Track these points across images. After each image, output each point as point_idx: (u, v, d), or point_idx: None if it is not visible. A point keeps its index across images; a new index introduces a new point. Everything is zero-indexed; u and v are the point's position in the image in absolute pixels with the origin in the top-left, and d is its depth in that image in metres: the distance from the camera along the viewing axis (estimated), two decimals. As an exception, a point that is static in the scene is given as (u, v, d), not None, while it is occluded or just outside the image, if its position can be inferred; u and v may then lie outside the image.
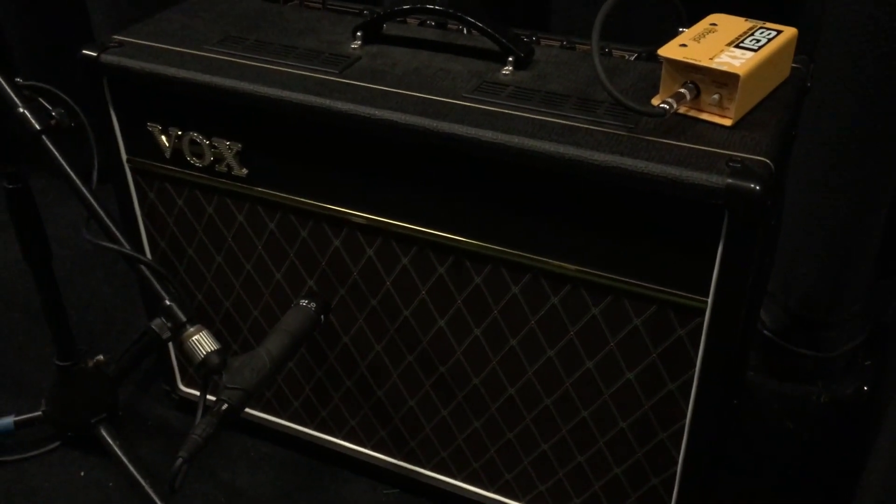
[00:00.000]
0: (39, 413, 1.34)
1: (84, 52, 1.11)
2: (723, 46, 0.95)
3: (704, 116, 0.94)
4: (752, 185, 0.84)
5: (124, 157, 1.19)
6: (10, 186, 1.15)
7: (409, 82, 1.03)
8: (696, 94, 0.93)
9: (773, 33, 0.98)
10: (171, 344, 1.30)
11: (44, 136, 1.05)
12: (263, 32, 1.16)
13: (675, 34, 1.00)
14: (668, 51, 0.94)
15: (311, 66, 1.07)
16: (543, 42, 1.13)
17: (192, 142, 1.13)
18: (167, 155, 1.15)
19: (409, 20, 1.19)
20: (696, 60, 0.92)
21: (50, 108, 1.07)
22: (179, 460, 0.89)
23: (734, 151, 0.89)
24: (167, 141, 1.14)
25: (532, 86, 1.02)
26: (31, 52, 1.91)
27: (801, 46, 1.03)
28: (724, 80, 0.91)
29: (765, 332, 1.49)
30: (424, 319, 1.11)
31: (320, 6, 1.26)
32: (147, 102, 1.13)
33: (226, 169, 1.13)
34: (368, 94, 1.01)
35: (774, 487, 1.33)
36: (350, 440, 1.30)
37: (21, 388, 1.48)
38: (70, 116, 1.07)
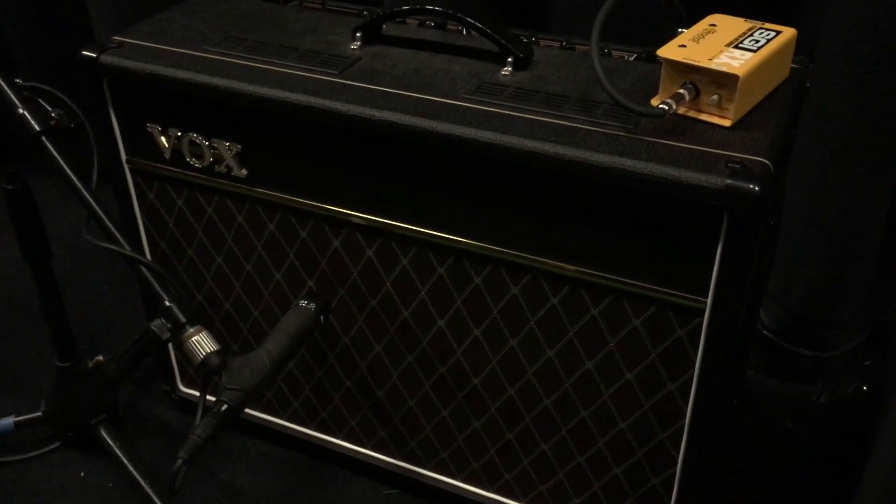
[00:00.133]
0: (39, 413, 1.34)
1: (84, 52, 1.11)
2: (722, 47, 0.95)
3: (704, 117, 0.94)
4: (752, 186, 0.84)
5: (124, 157, 1.19)
6: (10, 187, 1.16)
7: (409, 83, 1.03)
8: (696, 94, 0.93)
9: (773, 34, 0.98)
10: (171, 344, 1.30)
11: (43, 137, 1.05)
12: (263, 33, 1.16)
13: (674, 35, 1.00)
14: (668, 51, 0.94)
15: (311, 67, 1.07)
16: (543, 43, 1.13)
17: (192, 142, 1.13)
18: (167, 155, 1.15)
19: (408, 21, 1.19)
20: (695, 61, 0.92)
21: (49, 108, 1.07)
22: (179, 461, 0.89)
23: (733, 152, 0.89)
24: (167, 142, 1.14)
25: (531, 86, 1.02)
26: (31, 53, 1.91)
27: (801, 47, 1.03)
28: (724, 81, 0.91)
29: (764, 331, 1.49)
30: (424, 320, 1.11)
31: (320, 7, 1.26)
32: (147, 103, 1.13)
33: (225, 170, 1.13)
34: (368, 95, 1.01)
35: (774, 487, 1.33)
36: (350, 440, 1.30)
37: (21, 389, 1.48)
38: (70, 117, 1.07)
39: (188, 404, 1.42)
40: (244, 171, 1.12)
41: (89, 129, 1.09)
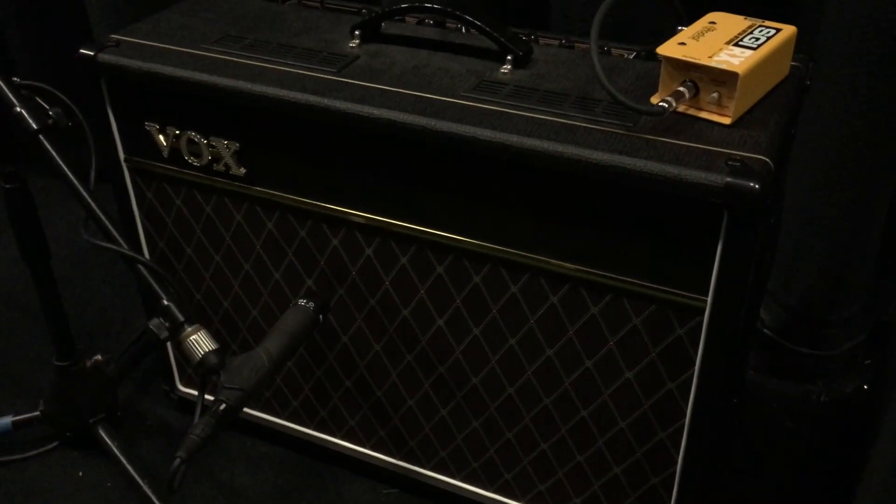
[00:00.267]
0: (38, 413, 1.34)
1: (81, 51, 1.11)
2: (722, 45, 0.94)
3: (703, 115, 0.94)
4: (752, 184, 0.84)
5: (122, 156, 1.19)
6: (8, 186, 1.15)
7: (408, 81, 1.03)
8: (695, 92, 0.93)
9: (773, 32, 0.98)
10: (169, 344, 1.29)
11: (41, 136, 1.04)
12: (261, 32, 1.16)
13: (673, 32, 1.00)
14: (667, 49, 0.94)
15: (310, 66, 1.07)
16: (542, 41, 1.13)
17: (190, 141, 1.12)
18: (165, 154, 1.15)
19: (407, 19, 1.19)
20: (695, 59, 0.92)
21: (47, 107, 1.07)
22: (178, 460, 0.89)
23: (733, 150, 0.89)
24: (165, 140, 1.14)
25: (531, 85, 1.02)
26: (28, 52, 1.91)
27: (801, 45, 1.02)
28: (724, 79, 0.91)
29: (765, 330, 1.49)
30: (423, 319, 1.11)
31: (318, 5, 1.25)
32: (145, 102, 1.13)
33: (224, 168, 1.12)
34: (367, 93, 1.00)
35: (774, 486, 1.32)
36: (349, 440, 1.30)
37: (19, 388, 1.47)
38: (68, 116, 1.07)
39: (187, 404, 1.42)
40: (243, 170, 1.11)
41: (87, 127, 1.09)
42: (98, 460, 1.34)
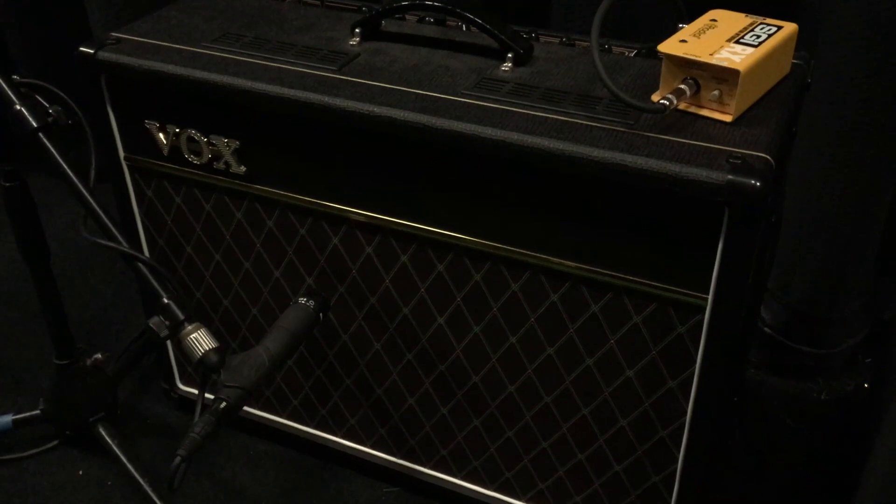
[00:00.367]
0: (38, 412, 1.34)
1: (81, 49, 1.11)
2: (723, 42, 0.94)
3: (704, 112, 0.94)
4: (753, 182, 0.83)
5: (122, 154, 1.19)
6: (8, 184, 1.15)
7: (408, 79, 1.03)
8: (696, 90, 0.93)
9: (774, 29, 0.98)
10: (169, 342, 1.29)
11: (40, 134, 1.04)
12: (262, 29, 1.16)
13: (674, 30, 1.00)
14: (668, 47, 0.94)
15: (310, 63, 1.06)
16: (543, 39, 1.13)
17: (190, 139, 1.12)
18: (165, 152, 1.15)
19: (407, 17, 1.19)
20: (696, 56, 0.92)
21: (47, 105, 1.07)
22: (178, 459, 0.89)
23: (734, 147, 0.88)
24: (165, 138, 1.14)
25: (531, 82, 1.02)
26: (28, 50, 1.91)
27: (802, 42, 1.02)
28: (725, 76, 0.91)
29: (765, 328, 1.49)
30: (424, 317, 1.11)
31: (319, 3, 1.25)
32: (145, 100, 1.13)
33: (224, 166, 1.12)
34: (367, 91, 1.00)
35: (774, 485, 1.32)
36: (350, 438, 1.30)
37: (20, 387, 1.47)
38: (67, 114, 1.07)
39: (187, 402, 1.42)
40: (243, 168, 1.11)
41: (87, 126, 1.09)
42: (98, 459, 1.34)
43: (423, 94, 0.99)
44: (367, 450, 1.29)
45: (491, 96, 0.99)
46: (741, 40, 0.95)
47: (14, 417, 1.35)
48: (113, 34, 1.14)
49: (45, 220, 1.21)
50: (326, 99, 1.00)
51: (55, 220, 1.79)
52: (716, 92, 0.92)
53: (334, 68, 1.05)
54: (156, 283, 0.99)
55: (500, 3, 1.46)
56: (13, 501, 1.29)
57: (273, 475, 1.34)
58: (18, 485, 1.31)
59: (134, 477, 1.26)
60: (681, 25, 1.01)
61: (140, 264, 1.00)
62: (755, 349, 1.50)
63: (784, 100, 0.98)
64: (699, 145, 0.89)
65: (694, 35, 0.96)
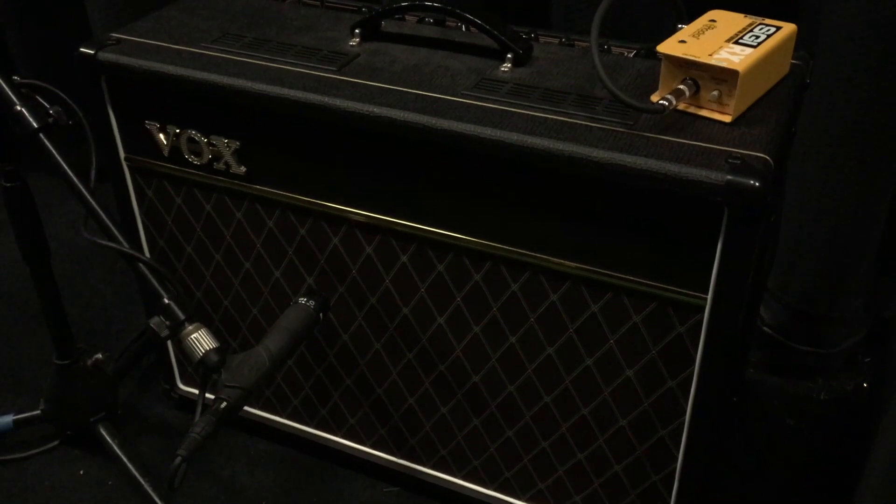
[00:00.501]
0: (39, 412, 1.34)
1: (81, 49, 1.11)
2: (722, 43, 0.94)
3: (704, 113, 0.94)
4: (752, 182, 0.84)
5: (122, 155, 1.19)
6: (8, 184, 1.15)
7: (408, 79, 1.03)
8: (696, 90, 0.93)
9: (773, 29, 0.98)
10: (169, 342, 1.30)
11: (41, 134, 1.04)
12: (262, 30, 1.16)
13: (674, 30, 1.00)
14: (668, 47, 0.94)
15: (310, 64, 1.06)
16: (542, 39, 1.13)
17: (191, 140, 1.12)
18: (165, 153, 1.15)
19: (407, 17, 1.19)
20: (695, 57, 0.92)
21: (47, 105, 1.07)
22: (178, 459, 0.89)
23: (734, 148, 0.89)
24: (165, 139, 1.14)
25: (531, 83, 1.02)
26: (29, 50, 1.91)
27: (801, 43, 1.02)
28: (724, 77, 0.91)
29: (765, 328, 1.49)
30: (424, 317, 1.11)
31: (319, 4, 1.25)
32: (145, 100, 1.13)
33: (224, 167, 1.12)
34: (367, 92, 1.00)
35: (774, 484, 1.32)
36: (350, 438, 1.30)
37: (20, 387, 1.47)
38: (68, 114, 1.07)
39: (187, 402, 1.42)
40: (243, 168, 1.11)
41: (87, 126, 1.09)
42: (99, 459, 1.34)
43: (422, 95, 0.99)
44: (367, 450, 1.29)
45: (490, 97, 0.99)
46: (740, 41, 0.95)
47: (15, 417, 1.35)
48: (113, 34, 1.14)
49: (46, 220, 1.21)
50: (326, 99, 1.00)
51: (55, 220, 1.79)
52: (715, 92, 0.92)
53: (334, 69, 1.05)
54: (156, 284, 0.99)
55: (500, 4, 1.46)
56: (13, 501, 1.29)
57: (273, 475, 1.34)
58: (19, 485, 1.32)
59: (134, 477, 1.26)
60: (680, 26, 1.01)
61: (141, 264, 1.00)
62: (755, 349, 1.50)
63: (783, 100, 0.98)
64: (698, 145, 0.89)
65: (693, 35, 0.96)
